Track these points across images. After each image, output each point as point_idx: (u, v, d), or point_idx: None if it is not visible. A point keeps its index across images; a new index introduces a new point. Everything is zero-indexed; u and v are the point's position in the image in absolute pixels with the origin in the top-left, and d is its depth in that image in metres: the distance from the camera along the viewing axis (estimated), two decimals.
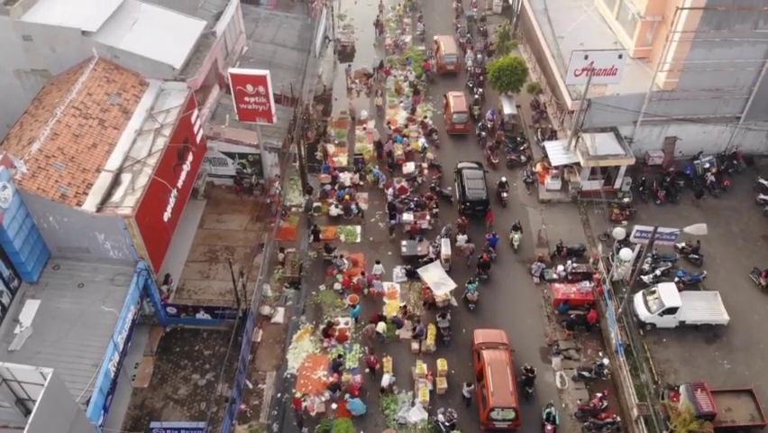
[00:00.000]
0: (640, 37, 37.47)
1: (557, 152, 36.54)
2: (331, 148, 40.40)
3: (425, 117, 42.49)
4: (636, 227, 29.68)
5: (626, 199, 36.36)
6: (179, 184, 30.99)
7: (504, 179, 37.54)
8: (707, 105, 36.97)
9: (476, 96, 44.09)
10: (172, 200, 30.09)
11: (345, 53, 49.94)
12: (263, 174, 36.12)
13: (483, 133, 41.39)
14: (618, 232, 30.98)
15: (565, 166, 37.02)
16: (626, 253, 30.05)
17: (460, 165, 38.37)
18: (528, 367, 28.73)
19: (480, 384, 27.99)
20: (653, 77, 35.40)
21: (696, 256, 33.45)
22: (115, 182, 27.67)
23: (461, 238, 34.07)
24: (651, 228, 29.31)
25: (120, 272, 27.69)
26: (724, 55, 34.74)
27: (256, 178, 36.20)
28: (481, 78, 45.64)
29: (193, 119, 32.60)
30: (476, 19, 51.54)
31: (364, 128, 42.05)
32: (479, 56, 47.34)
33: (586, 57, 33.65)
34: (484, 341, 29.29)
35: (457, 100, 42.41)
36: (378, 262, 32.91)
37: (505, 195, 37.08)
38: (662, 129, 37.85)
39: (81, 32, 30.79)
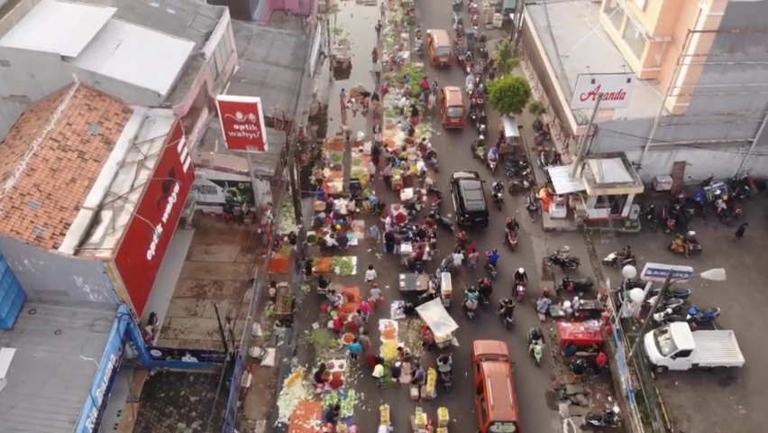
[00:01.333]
0: (648, 58, 35.89)
1: (562, 180, 34.92)
2: (326, 172, 38.73)
3: (424, 139, 40.79)
4: (648, 265, 28.19)
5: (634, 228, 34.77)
6: (164, 218, 29.32)
7: (498, 182, 37.85)
8: (718, 130, 35.43)
9: (480, 136, 41.17)
10: (156, 236, 28.39)
11: (341, 70, 48.26)
12: (254, 202, 34.47)
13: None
14: (629, 270, 29.36)
15: (570, 193, 35.35)
16: (636, 294, 28.50)
17: (456, 175, 37.47)
18: (506, 300, 30.74)
19: (480, 397, 27.09)
20: (662, 101, 33.78)
21: (629, 259, 32.52)
22: (95, 220, 26.00)
23: (457, 257, 32.91)
24: (663, 267, 27.91)
25: (100, 317, 26.02)
26: (737, 78, 33.19)
27: (247, 206, 34.58)
28: (483, 112, 43.08)
29: (179, 148, 30.95)
30: (476, 38, 49.67)
31: (360, 150, 40.43)
32: (479, 84, 45.22)
33: (593, 81, 32.05)
34: (484, 352, 28.41)
35: (453, 94, 42.86)
36: (370, 268, 32.46)
37: (500, 195, 37.56)
38: (671, 154, 36.30)
39: (60, 57, 29.11)
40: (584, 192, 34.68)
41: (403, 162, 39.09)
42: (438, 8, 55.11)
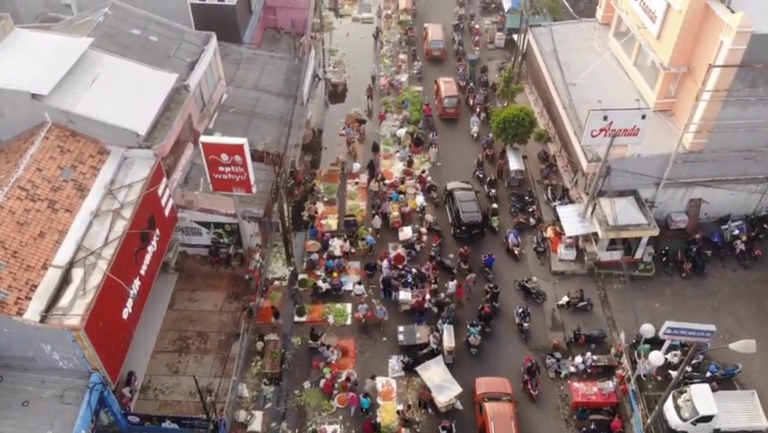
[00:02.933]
0: (662, 89, 33.73)
1: (572, 220, 32.72)
2: (319, 207, 36.46)
3: (424, 171, 38.50)
4: (667, 324, 25.98)
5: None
6: (143, 271, 27.04)
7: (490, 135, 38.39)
8: (736, 166, 33.31)
9: (493, 204, 36.21)
10: (134, 292, 26.13)
11: (336, 93, 45.97)
12: (242, 244, 32.21)
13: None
14: (647, 329, 27.18)
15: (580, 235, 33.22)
16: (656, 358, 26.32)
17: (450, 186, 36.60)
18: (492, 286, 31.34)
19: None
20: (679, 138, 31.59)
21: (585, 303, 31.30)
22: (65, 280, 23.74)
23: (452, 284, 31.81)
24: (683, 325, 25.76)
25: (71, 386, 23.75)
26: (758, 114, 31.08)
27: (234, 248, 32.31)
28: (488, 151, 40.12)
29: (160, 191, 28.68)
30: (478, 63, 47.13)
31: (356, 182, 38.17)
32: (481, 114, 42.96)
33: (605, 118, 29.82)
34: (486, 391, 27.09)
35: (447, 85, 43.84)
36: (359, 284, 31.70)
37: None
38: (687, 191, 34.16)
39: (31, 95, 26.82)
40: (595, 234, 32.46)
41: (401, 197, 36.79)
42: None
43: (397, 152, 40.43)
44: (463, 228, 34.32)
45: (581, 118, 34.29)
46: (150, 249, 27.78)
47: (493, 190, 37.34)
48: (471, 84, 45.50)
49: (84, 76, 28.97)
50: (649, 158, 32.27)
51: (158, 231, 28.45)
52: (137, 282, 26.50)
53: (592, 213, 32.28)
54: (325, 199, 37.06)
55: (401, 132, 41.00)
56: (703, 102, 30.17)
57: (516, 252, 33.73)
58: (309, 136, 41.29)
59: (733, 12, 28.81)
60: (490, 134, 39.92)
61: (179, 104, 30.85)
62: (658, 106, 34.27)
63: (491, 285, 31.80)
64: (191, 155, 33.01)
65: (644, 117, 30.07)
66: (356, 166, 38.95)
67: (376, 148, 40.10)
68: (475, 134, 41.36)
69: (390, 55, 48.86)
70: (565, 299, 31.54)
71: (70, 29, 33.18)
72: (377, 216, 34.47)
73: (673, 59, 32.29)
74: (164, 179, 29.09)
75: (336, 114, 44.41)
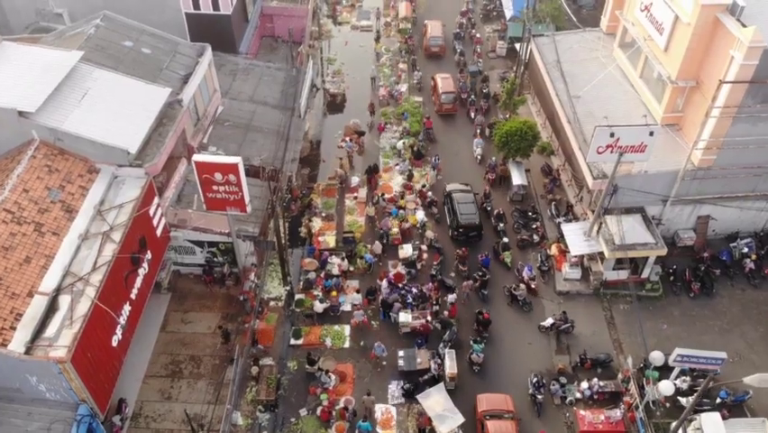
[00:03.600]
0: (670, 103, 32.75)
1: (577, 239, 31.75)
2: (317, 223, 35.49)
3: (424, 186, 37.50)
4: (677, 351, 25.23)
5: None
6: (133, 294, 26.12)
7: (501, 210, 35.97)
8: (746, 183, 32.36)
9: (504, 239, 34.24)
10: (123, 318, 25.19)
11: (335, 104, 44.98)
12: (237, 263, 31.25)
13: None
14: (656, 357, 26.24)
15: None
16: (666, 388, 25.37)
17: (449, 188, 36.43)
18: (481, 273, 31.75)
19: None
20: (688, 155, 30.68)
21: (567, 324, 30.26)
22: (51, 308, 22.82)
23: (451, 297, 31.32)
24: (694, 353, 24.90)
25: (58, 418, 22.78)
26: None
27: (229, 267, 31.35)
28: (491, 175, 38.17)
29: (152, 211, 27.73)
30: (479, 72, 46.07)
31: (355, 197, 37.19)
32: (484, 131, 41.22)
33: (612, 135, 28.87)
34: (488, 408, 26.36)
35: (444, 81, 43.89)
36: (357, 291, 31.49)
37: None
38: (695, 208, 33.19)
39: (18, 112, 25.88)
40: (601, 253, 31.51)
41: (401, 212, 35.82)
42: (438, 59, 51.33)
43: (397, 164, 39.43)
44: (461, 230, 34.21)
45: (586, 132, 33.43)
46: (141, 272, 26.87)
47: (496, 210, 36.48)
48: (473, 97, 44.19)
49: (73, 91, 28.06)
50: (656, 175, 31.35)
51: (149, 252, 27.50)
52: (127, 307, 25.58)
53: (598, 231, 31.33)
54: (323, 215, 36.08)
55: (401, 144, 39.96)
56: (712, 118, 29.21)
57: (533, 285, 32.10)
58: (307, 149, 40.34)
59: (744, 26, 27.85)
60: (494, 158, 38.45)
61: (172, 119, 29.96)
62: (665, 120, 33.31)
63: (480, 273, 32.16)
64: (185, 171, 32.07)
65: (651, 134, 29.11)
66: (355, 180, 37.96)
67: (375, 170, 38.77)
68: (479, 157, 39.55)
69: (390, 64, 47.79)
70: (549, 321, 30.58)
71: (61, 41, 32.22)
72: (377, 243, 33.29)
73: (681, 72, 31.34)
74: (156, 198, 28.14)
75: (335, 124, 43.43)
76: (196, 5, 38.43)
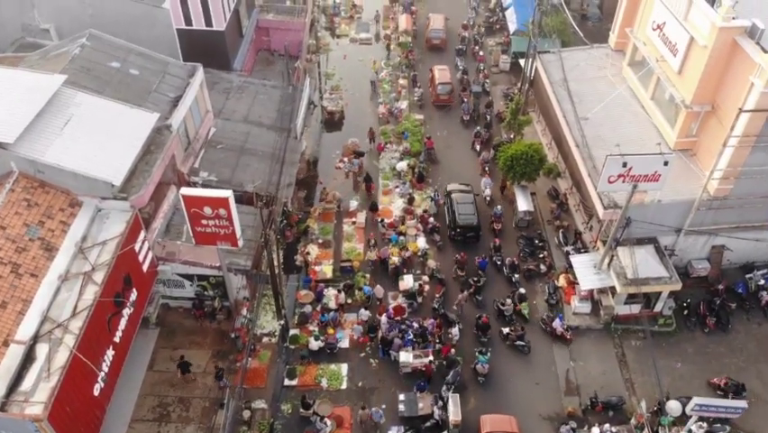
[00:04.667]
0: (683, 128, 31.25)
1: (587, 273, 30.20)
2: (313, 251, 33.91)
3: (425, 211, 35.92)
4: (695, 401, 23.77)
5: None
6: (117, 337, 24.57)
7: (499, 207, 35.49)
8: (762, 212, 30.90)
9: (520, 290, 31.98)
10: (107, 364, 23.65)
11: (333, 122, 43.38)
12: (228, 297, 29.70)
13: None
14: (674, 408, 24.72)
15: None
16: (674, 407, 23.96)
17: (449, 188, 36.40)
18: (475, 279, 31.55)
19: None
20: (704, 185, 29.17)
21: (523, 343, 29.70)
22: (28, 357, 21.27)
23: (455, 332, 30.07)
24: (713, 402, 23.46)
25: None
26: None
27: (220, 301, 29.80)
28: (496, 225, 35.30)
29: (138, 246, 26.16)
30: (485, 92, 44.05)
31: (353, 222, 35.62)
32: (489, 176, 38.30)
33: (624, 164, 27.32)
34: (491, 431, 25.60)
35: (441, 73, 44.77)
36: (366, 309, 30.74)
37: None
38: (709, 238, 31.67)
39: None
40: (613, 287, 29.99)
41: (401, 238, 34.27)
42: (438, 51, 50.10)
43: (397, 187, 37.84)
44: (458, 230, 34.11)
45: (595, 157, 31.98)
46: (126, 312, 25.27)
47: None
48: (479, 129, 41.40)
49: (55, 118, 26.48)
50: (670, 204, 29.84)
51: (135, 291, 25.95)
52: (110, 352, 24.04)
53: (609, 264, 29.79)
54: (320, 241, 34.52)
55: (401, 165, 38.37)
56: (730, 147, 27.69)
57: (568, 336, 30.14)
58: (304, 170, 38.75)
59: (765, 51, 26.35)
60: (499, 207, 35.80)
61: (160, 146, 28.39)
62: (678, 146, 31.83)
63: (474, 278, 31.93)
64: (174, 199, 30.46)
65: (666, 164, 27.55)
66: (353, 204, 36.39)
67: (369, 180, 38.11)
68: (488, 198, 36.96)
69: (390, 80, 46.18)
70: (506, 330, 30.04)
71: (45, 61, 30.71)
72: (378, 286, 31.64)
73: (697, 96, 29.84)
74: (142, 232, 26.57)
75: (332, 143, 41.86)
76: (188, 21, 36.94)
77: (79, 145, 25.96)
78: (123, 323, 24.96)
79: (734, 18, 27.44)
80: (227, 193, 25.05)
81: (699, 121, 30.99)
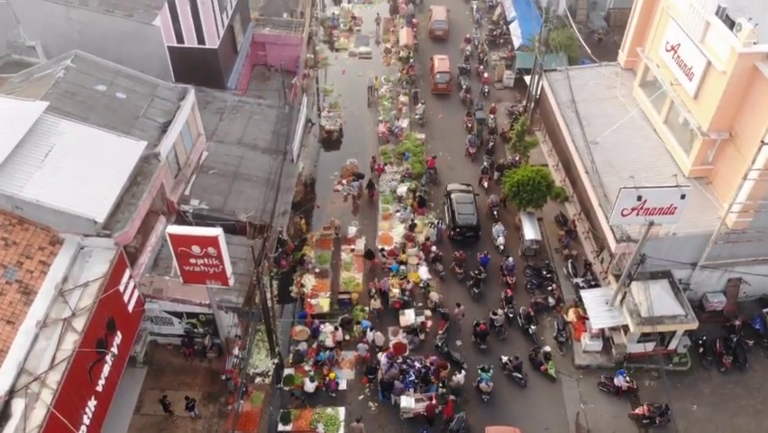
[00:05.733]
0: (699, 156, 29.79)
1: (598, 310, 28.68)
2: (309, 281, 32.37)
3: (428, 239, 34.33)
4: None
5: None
6: (100, 386, 23.03)
7: (511, 260, 32.83)
8: None
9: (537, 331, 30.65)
10: (88, 416, 22.12)
11: (331, 141, 41.82)
12: (219, 335, 28.16)
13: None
14: None
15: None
16: None
17: (449, 187, 36.34)
18: (476, 272, 31.87)
19: None
20: (722, 218, 27.69)
21: (519, 376, 28.54)
22: (4, 414, 19.79)
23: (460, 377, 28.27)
24: None
25: None
26: None
27: (210, 339, 28.27)
28: (510, 279, 32.42)
29: (123, 285, 24.62)
30: (486, 122, 41.67)
31: (352, 249, 34.06)
32: (501, 222, 35.30)
33: (639, 198, 25.76)
34: None
35: (441, 62, 45.56)
36: (372, 330, 29.68)
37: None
38: (725, 271, 30.13)
39: None
40: (626, 325, 28.48)
41: (402, 268, 32.73)
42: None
43: (398, 211, 36.26)
44: (458, 230, 34.15)
45: (606, 185, 30.55)
46: (110, 357, 23.72)
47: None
48: (485, 165, 38.57)
49: (35, 149, 24.95)
50: (686, 237, 28.36)
51: (119, 334, 24.42)
52: (93, 403, 22.49)
53: (621, 301, 28.25)
54: (317, 270, 32.95)
55: (402, 189, 36.76)
56: (750, 180, 26.16)
57: (634, 386, 28.05)
58: (300, 192, 37.14)
59: None
60: (510, 258, 32.86)
61: (148, 176, 26.84)
62: (693, 174, 30.40)
63: (476, 271, 32.09)
64: (162, 230, 28.87)
65: (683, 197, 25.97)
66: (352, 230, 34.84)
67: (371, 186, 37.40)
68: (501, 247, 34.22)
69: (390, 96, 44.56)
70: (505, 359, 28.89)
71: (27, 84, 29.24)
72: (379, 333, 29.80)
73: (714, 123, 28.38)
74: (127, 271, 25.04)
75: (331, 162, 40.32)
76: (180, 39, 35.36)
77: (61, 179, 24.45)
78: (106, 370, 23.43)
79: (755, 43, 25.89)
80: (216, 232, 23.49)
81: (716, 148, 29.47)
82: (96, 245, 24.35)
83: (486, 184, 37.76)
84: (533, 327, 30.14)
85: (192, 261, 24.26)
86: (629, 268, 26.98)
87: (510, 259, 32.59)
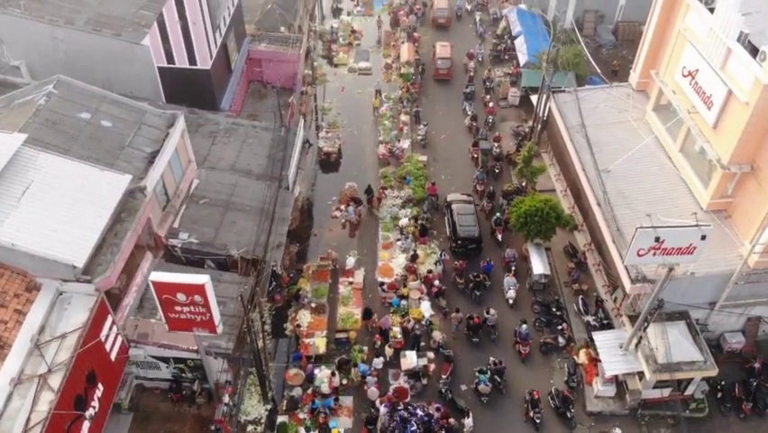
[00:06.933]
0: (718, 189, 28.15)
1: (611, 355, 27.03)
2: (305, 317, 30.69)
3: (430, 272, 32.62)
4: None
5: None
6: None
7: (525, 327, 29.83)
8: None
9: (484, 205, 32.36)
10: None
11: (329, 162, 40.13)
12: (208, 380, 26.51)
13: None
14: None
15: None
16: None
17: (449, 198, 35.52)
18: (475, 274, 31.70)
19: None
20: (744, 259, 26.07)
21: (499, 380, 28.06)
22: None
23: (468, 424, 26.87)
24: None
25: None
26: None
27: (199, 384, 26.62)
28: (524, 349, 29.60)
29: (104, 334, 22.98)
30: (491, 152, 39.06)
31: (350, 282, 32.40)
32: (513, 276, 32.34)
33: (657, 238, 24.11)
34: None
35: (442, 49, 46.66)
36: (377, 356, 28.78)
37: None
38: (745, 310, 28.52)
39: None
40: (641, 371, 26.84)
41: (403, 303, 31.08)
42: (445, 93, 46.48)
43: (399, 240, 34.56)
44: (459, 242, 33.56)
45: (619, 218, 28.94)
46: (90, 412, 22.05)
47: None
48: (498, 216, 35.14)
49: (12, 186, 23.36)
50: (704, 278, 26.70)
51: (100, 386, 22.76)
52: None
53: (637, 346, 26.59)
54: (313, 305, 31.26)
55: (404, 221, 34.97)
56: None
57: None
58: (297, 219, 35.45)
59: None
60: (524, 325, 29.77)
61: (132, 213, 25.20)
62: (711, 207, 28.79)
63: (475, 273, 31.81)
64: (150, 267, 27.27)
65: (704, 238, 24.32)
66: (350, 261, 33.16)
67: (369, 191, 36.64)
68: (511, 300, 31.76)
69: (390, 115, 42.83)
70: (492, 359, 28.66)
71: (7, 111, 27.60)
72: (373, 388, 27.93)
73: (735, 156, 26.79)
74: (109, 317, 23.38)
75: (329, 186, 38.66)
76: (170, 59, 33.73)
77: (38, 218, 22.85)
78: (85, 427, 21.75)
79: None
80: (203, 279, 21.84)
81: (736, 180, 27.83)
82: (75, 291, 22.71)
83: (499, 237, 34.73)
84: (571, 409, 27.33)
85: (177, 308, 22.63)
86: (645, 313, 25.28)
87: (525, 326, 29.54)
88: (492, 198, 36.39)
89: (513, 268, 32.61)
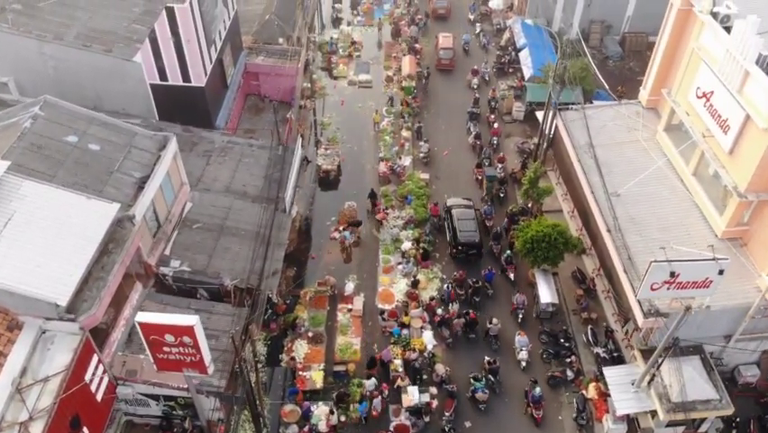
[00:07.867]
0: (734, 217, 26.94)
1: (623, 392, 25.80)
2: (301, 348, 29.46)
3: (433, 298, 31.39)
4: None
5: None
6: None
7: (538, 389, 27.47)
8: None
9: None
10: None
11: (328, 180, 38.90)
12: (200, 418, 25.29)
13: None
14: None
15: None
16: None
17: (449, 203, 35.04)
18: (474, 280, 31.18)
19: None
20: (763, 292, 24.89)
21: (493, 380, 27.94)
22: None
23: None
24: None
25: None
26: None
27: (191, 421, 25.41)
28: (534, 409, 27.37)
29: (89, 374, 21.78)
30: (496, 178, 37.52)
31: (349, 309, 31.17)
32: (525, 334, 29.92)
33: (672, 273, 22.92)
34: None
35: (445, 39, 47.64)
36: (369, 378, 27.90)
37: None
38: (760, 343, 27.30)
39: None
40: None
41: (405, 332, 29.85)
42: (447, 98, 45.34)
43: (400, 263, 33.32)
44: (459, 248, 33.07)
45: (630, 246, 27.71)
46: None
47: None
48: (509, 254, 33.08)
49: None
50: (720, 311, 25.46)
51: (85, 431, 21.54)
52: None
53: (649, 383, 25.35)
54: (310, 334, 30.02)
55: (406, 244, 33.67)
56: None
57: None
58: (294, 241, 34.19)
59: None
60: (538, 389, 27.36)
61: (120, 243, 23.99)
62: (726, 235, 27.64)
63: (473, 279, 31.42)
64: (139, 299, 26.07)
65: (721, 273, 23.11)
66: (349, 287, 31.95)
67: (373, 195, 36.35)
68: (523, 363, 29.01)
69: (391, 130, 41.56)
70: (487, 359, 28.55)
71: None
72: (381, 397, 27.05)
73: (752, 184, 25.60)
74: (95, 356, 22.18)
75: (328, 205, 37.46)
76: (163, 76, 32.58)
77: (20, 252, 21.69)
78: None
79: None
80: (192, 321, 20.61)
81: (753, 208, 26.61)
82: (58, 329, 21.52)
83: (496, 253, 33.79)
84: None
85: (166, 348, 21.42)
86: (659, 352, 24.04)
87: (538, 389, 27.11)
88: (499, 239, 34.18)
89: (521, 316, 30.70)
